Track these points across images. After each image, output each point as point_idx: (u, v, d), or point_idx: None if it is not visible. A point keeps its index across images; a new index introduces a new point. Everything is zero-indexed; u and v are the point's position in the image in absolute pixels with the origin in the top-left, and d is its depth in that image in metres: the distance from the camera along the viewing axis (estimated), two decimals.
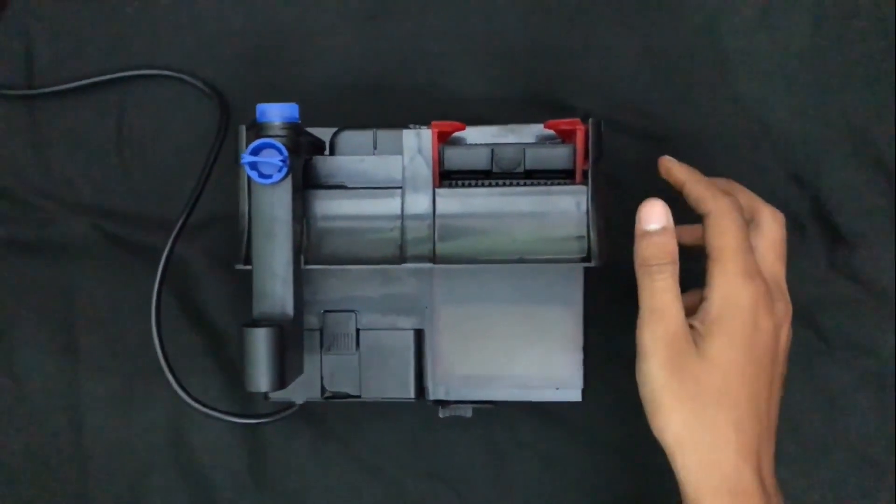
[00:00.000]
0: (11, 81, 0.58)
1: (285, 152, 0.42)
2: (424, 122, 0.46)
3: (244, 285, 0.44)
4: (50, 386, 0.56)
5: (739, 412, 0.40)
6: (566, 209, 0.45)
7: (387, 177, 0.46)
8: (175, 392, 0.49)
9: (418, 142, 0.46)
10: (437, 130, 0.45)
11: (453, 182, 0.46)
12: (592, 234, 0.45)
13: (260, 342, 0.41)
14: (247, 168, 0.42)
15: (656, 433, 0.41)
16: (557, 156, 0.46)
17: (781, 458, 0.43)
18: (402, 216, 0.46)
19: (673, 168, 0.46)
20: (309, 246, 0.46)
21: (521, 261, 0.45)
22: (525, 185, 0.46)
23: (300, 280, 0.45)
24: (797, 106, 0.55)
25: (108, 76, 0.57)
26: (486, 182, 0.46)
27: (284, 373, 0.42)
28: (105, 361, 0.56)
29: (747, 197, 0.46)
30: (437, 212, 0.46)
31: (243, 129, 0.46)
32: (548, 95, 0.56)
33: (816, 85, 0.55)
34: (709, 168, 0.54)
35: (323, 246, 0.46)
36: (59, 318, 0.56)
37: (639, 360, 0.42)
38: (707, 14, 0.56)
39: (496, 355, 0.47)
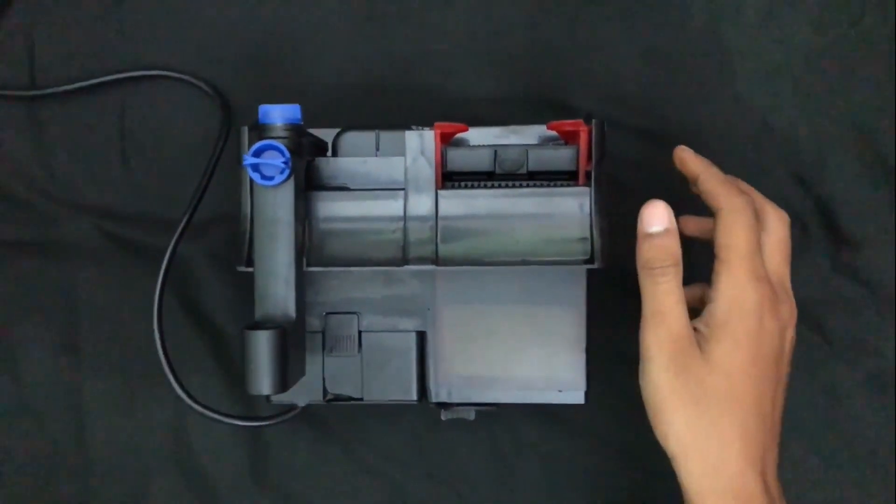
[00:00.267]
0: (14, 82, 0.58)
1: (287, 154, 0.41)
2: (427, 123, 0.46)
3: (246, 286, 0.44)
4: (52, 387, 0.56)
5: (744, 416, 0.40)
6: (569, 211, 0.45)
7: (389, 178, 0.46)
8: (177, 393, 0.49)
9: (421, 143, 0.46)
10: (439, 131, 0.45)
11: (456, 183, 0.46)
12: (595, 236, 0.44)
13: (262, 345, 0.41)
14: (249, 170, 0.42)
15: (659, 437, 0.41)
16: (560, 157, 0.45)
17: (783, 458, 0.43)
18: (405, 218, 0.46)
19: (688, 159, 0.45)
20: (311, 248, 0.46)
21: (523, 262, 0.45)
22: (528, 186, 0.45)
23: (302, 282, 0.45)
24: (800, 106, 0.55)
25: (111, 77, 0.57)
26: (489, 183, 0.46)
27: (286, 375, 0.41)
28: (107, 362, 0.56)
29: (753, 196, 0.45)
30: (440, 213, 0.45)
31: (245, 130, 0.46)
32: (551, 96, 0.56)
33: (819, 85, 0.55)
34: None
35: (325, 248, 0.46)
36: (61, 319, 0.56)
37: (642, 363, 0.41)
38: (710, 14, 0.55)
39: (499, 357, 0.47)
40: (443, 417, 0.48)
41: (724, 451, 0.40)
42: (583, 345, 0.47)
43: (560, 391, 0.47)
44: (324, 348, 0.48)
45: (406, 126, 0.46)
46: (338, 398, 0.48)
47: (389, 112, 0.56)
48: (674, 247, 0.41)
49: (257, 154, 0.42)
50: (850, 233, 0.54)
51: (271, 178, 0.42)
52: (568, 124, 0.46)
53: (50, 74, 0.58)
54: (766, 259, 0.43)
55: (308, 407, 0.49)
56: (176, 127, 0.57)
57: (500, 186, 0.46)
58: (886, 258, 0.54)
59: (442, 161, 0.46)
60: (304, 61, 0.57)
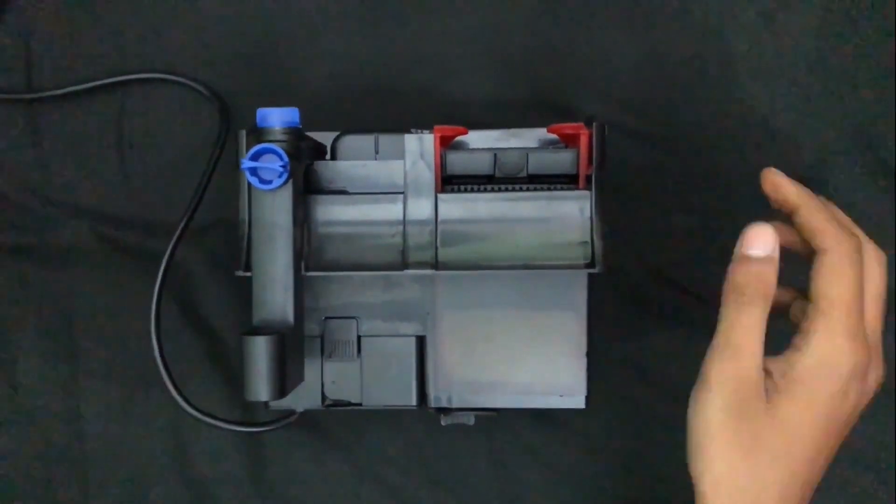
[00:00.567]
0: (11, 85, 0.57)
1: (286, 157, 0.41)
2: (426, 126, 0.46)
3: (245, 291, 0.44)
4: (49, 392, 0.55)
5: (793, 474, 0.37)
6: (569, 214, 0.45)
7: (388, 182, 0.46)
8: (175, 399, 0.49)
9: (420, 146, 0.45)
10: (439, 135, 0.45)
11: (455, 187, 0.46)
12: (596, 240, 0.44)
13: (260, 350, 0.40)
14: (247, 174, 0.41)
15: (692, 472, 0.38)
16: (561, 160, 0.45)
17: None
18: (404, 222, 0.45)
19: (783, 186, 0.39)
20: (310, 252, 0.46)
21: (523, 267, 0.44)
22: (528, 190, 0.45)
23: (301, 287, 0.44)
24: (802, 108, 0.55)
25: (109, 80, 0.56)
26: (489, 187, 0.46)
27: (285, 381, 0.41)
28: (105, 367, 0.55)
29: (854, 232, 0.40)
30: (440, 217, 0.45)
31: (244, 133, 0.46)
32: (551, 99, 0.56)
33: (821, 87, 0.55)
34: (713, 170, 0.54)
35: (324, 252, 0.46)
36: (59, 324, 0.56)
37: (698, 389, 0.38)
38: (712, 16, 0.55)
39: (499, 362, 0.47)
40: (443, 422, 0.48)
41: (760, 499, 0.37)
42: (583, 349, 0.46)
43: (561, 396, 0.47)
44: (323, 353, 0.47)
45: (405, 129, 0.46)
46: (337, 403, 0.48)
47: (389, 115, 0.56)
48: (771, 278, 0.38)
49: (255, 158, 0.41)
50: None
51: (269, 182, 0.41)
52: (568, 127, 0.45)
53: (47, 77, 0.57)
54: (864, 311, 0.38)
55: (307, 412, 0.48)
56: (174, 130, 0.57)
57: (500, 190, 0.45)
58: (888, 260, 0.53)
59: (441, 164, 0.45)
60: (302, 64, 0.57)
